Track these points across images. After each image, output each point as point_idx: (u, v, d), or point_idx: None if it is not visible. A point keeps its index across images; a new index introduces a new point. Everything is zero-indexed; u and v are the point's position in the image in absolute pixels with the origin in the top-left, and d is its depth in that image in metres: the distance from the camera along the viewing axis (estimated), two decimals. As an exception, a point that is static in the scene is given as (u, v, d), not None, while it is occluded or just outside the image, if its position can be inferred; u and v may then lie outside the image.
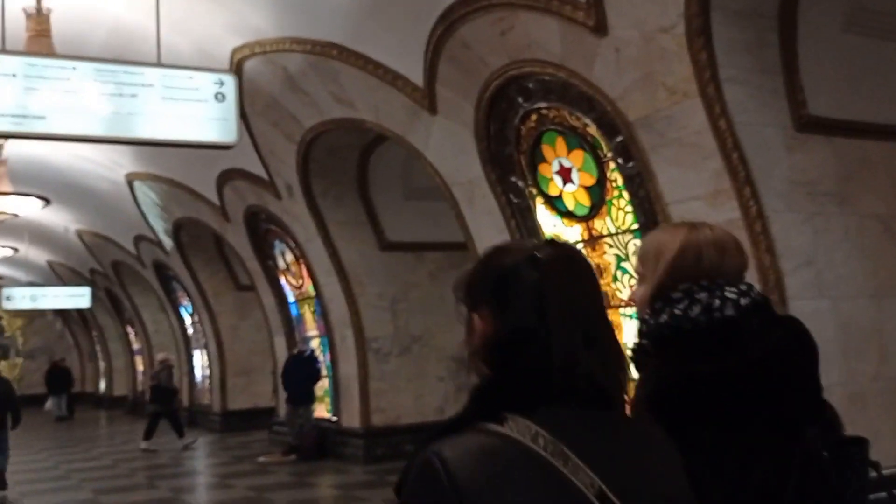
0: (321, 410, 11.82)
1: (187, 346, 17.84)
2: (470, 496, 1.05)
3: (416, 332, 10.88)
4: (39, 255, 22.45)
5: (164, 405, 14.13)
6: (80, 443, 16.32)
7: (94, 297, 21.25)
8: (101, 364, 27.75)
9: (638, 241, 6.05)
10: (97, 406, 26.85)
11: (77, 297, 18.72)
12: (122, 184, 13.88)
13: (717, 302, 1.56)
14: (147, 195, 13.90)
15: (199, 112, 5.06)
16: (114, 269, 19.73)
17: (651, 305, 1.64)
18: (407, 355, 10.81)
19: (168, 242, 15.31)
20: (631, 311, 6.29)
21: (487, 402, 1.15)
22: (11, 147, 12.11)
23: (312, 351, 11.67)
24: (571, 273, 1.19)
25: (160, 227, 15.04)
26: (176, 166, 12.34)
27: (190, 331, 17.60)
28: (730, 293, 1.57)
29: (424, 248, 11.02)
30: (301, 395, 11.46)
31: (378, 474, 9.76)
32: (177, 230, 14.58)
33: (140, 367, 22.69)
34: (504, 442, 1.09)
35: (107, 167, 13.46)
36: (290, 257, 11.75)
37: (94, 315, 25.47)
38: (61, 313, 29.41)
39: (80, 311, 26.62)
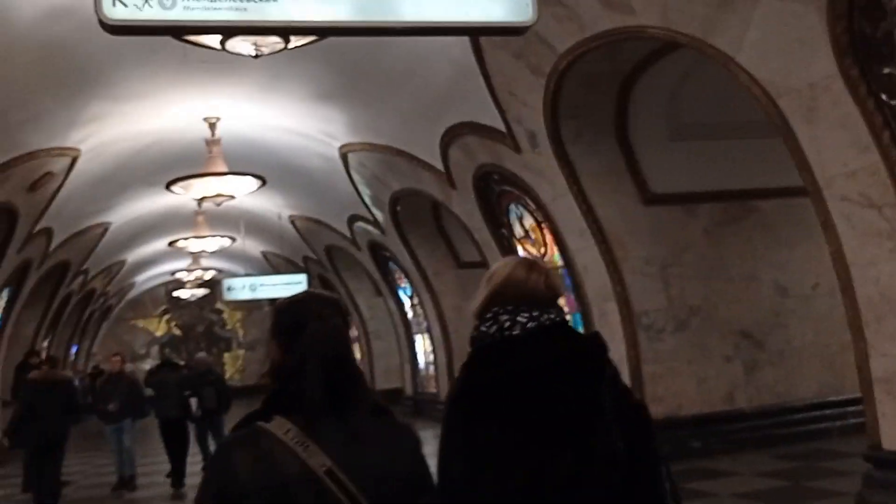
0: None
1: (407, 330, 16.78)
2: (240, 472, 1.62)
3: (693, 302, 8.91)
4: (254, 247, 22.41)
5: None
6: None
7: (308, 284, 20.81)
8: (318, 353, 27.70)
9: None
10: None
11: (294, 285, 18.16)
12: (336, 159, 12.86)
13: (508, 323, 2.02)
14: (362, 168, 12.79)
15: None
16: (327, 254, 19.12)
17: (475, 321, 2.12)
18: (685, 331, 8.86)
19: (384, 219, 14.21)
20: None
21: (267, 407, 1.74)
22: (224, 125, 11.34)
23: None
24: (333, 332, 1.75)
25: (375, 204, 13.95)
26: (394, 131, 11.07)
27: (409, 314, 16.51)
28: (522, 318, 2.02)
29: (697, 200, 9.02)
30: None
31: (665, 477, 7.92)
32: (393, 205, 13.39)
33: (357, 356, 22.09)
34: (266, 434, 1.66)
35: (320, 141, 12.47)
36: (529, 222, 10.11)
37: (309, 304, 25.31)
38: (277, 304, 29.77)
39: (294, 301, 26.61)
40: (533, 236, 10.18)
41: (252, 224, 19.05)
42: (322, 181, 14.36)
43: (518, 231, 10.47)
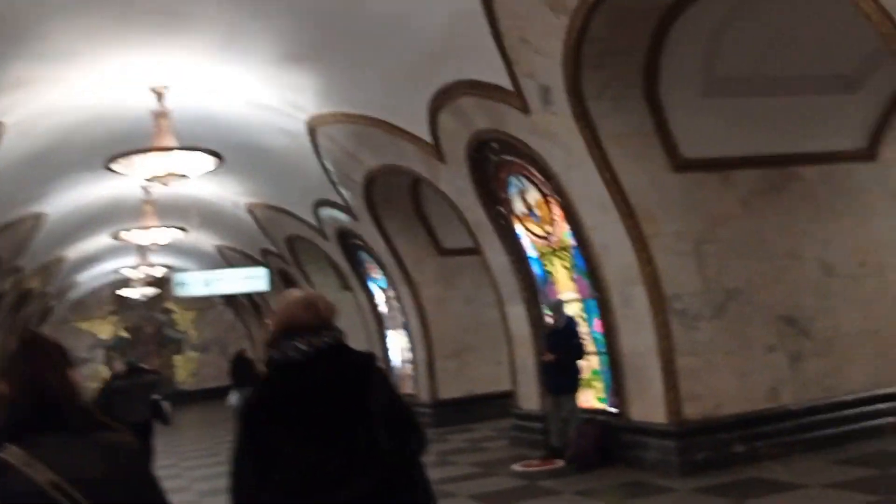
0: (587, 399, 8.88)
1: (379, 326, 15.38)
2: None
3: (731, 284, 7.72)
4: (207, 240, 20.84)
5: None
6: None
7: (269, 278, 19.30)
8: (277, 353, 26.15)
9: None
10: (276, 398, 25.28)
11: (253, 279, 16.72)
12: (303, 134, 11.42)
13: (290, 350, 2.46)
14: (333, 144, 11.37)
15: None
16: (288, 245, 17.62)
17: (267, 349, 2.57)
18: (722, 317, 7.67)
19: (355, 203, 12.80)
20: None
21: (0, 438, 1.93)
22: (174, 96, 9.84)
23: (570, 319, 8.71)
24: (35, 355, 2.05)
25: (346, 185, 12.54)
26: (373, 97, 9.68)
27: (382, 308, 15.11)
28: (300, 344, 2.47)
29: (733, 166, 7.84)
30: (563, 380, 8.54)
31: (714, 493, 6.69)
32: (369, 185, 11.99)
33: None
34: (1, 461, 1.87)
35: (284, 114, 11.01)
36: (533, 196, 8.82)
37: (267, 301, 23.77)
38: (231, 302, 28.16)
39: (251, 299, 25.13)
40: (538, 213, 8.90)
41: (205, 214, 17.48)
42: (285, 162, 12.90)
43: (519, 208, 9.18)
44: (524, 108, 7.72)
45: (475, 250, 11.14)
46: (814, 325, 7.95)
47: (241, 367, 21.72)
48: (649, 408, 7.72)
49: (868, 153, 8.28)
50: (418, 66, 8.45)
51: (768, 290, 7.81)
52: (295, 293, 2.69)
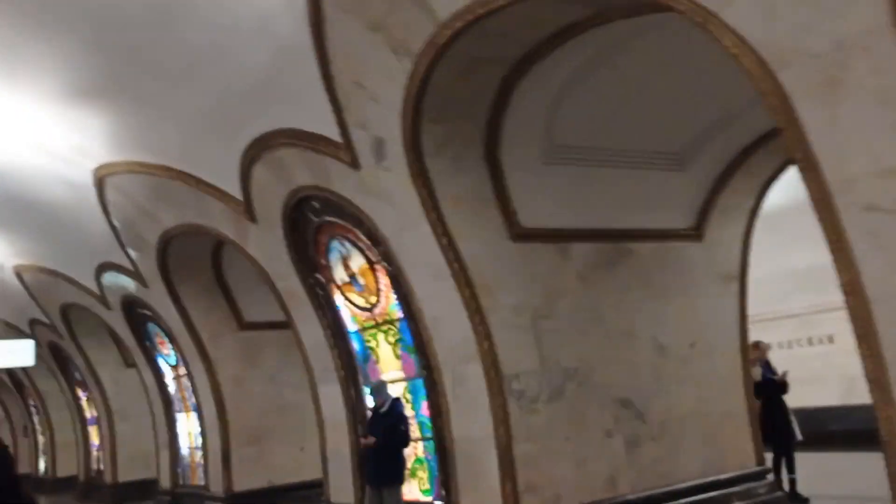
0: (412, 490, 7.96)
1: (167, 408, 13.66)
2: None
3: (569, 363, 7.19)
4: (-38, 308, 18.07)
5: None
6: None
7: (35, 353, 16.90)
8: (40, 439, 23.05)
9: None
10: (36, 489, 22.07)
11: (16, 354, 14.44)
12: (89, 186, 9.98)
13: None
14: (124, 199, 9.98)
15: None
16: (63, 316, 15.50)
17: None
18: (560, 400, 7.09)
19: (147, 268, 11.33)
20: None
21: None
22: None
23: (396, 401, 7.81)
24: None
25: (137, 247, 11.09)
26: (175, 145, 8.56)
27: (171, 388, 13.44)
28: None
29: (570, 238, 7.42)
30: (386, 469, 7.57)
31: None
32: (163, 248, 10.63)
33: (95, 441, 18.25)
34: None
35: (68, 160, 9.57)
36: (358, 263, 7.96)
37: (32, 379, 20.92)
38: (-12, 380, 24.67)
39: (12, 375, 22.10)
40: (361, 282, 8.03)
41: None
42: (65, 218, 11.27)
43: (340, 276, 8.27)
44: (353, 163, 6.93)
45: (283, 324, 10.06)
46: (649, 407, 7.58)
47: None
48: (483, 500, 6.93)
49: (695, 233, 8.21)
50: (232, 109, 7.48)
51: (605, 370, 7.37)
52: None
